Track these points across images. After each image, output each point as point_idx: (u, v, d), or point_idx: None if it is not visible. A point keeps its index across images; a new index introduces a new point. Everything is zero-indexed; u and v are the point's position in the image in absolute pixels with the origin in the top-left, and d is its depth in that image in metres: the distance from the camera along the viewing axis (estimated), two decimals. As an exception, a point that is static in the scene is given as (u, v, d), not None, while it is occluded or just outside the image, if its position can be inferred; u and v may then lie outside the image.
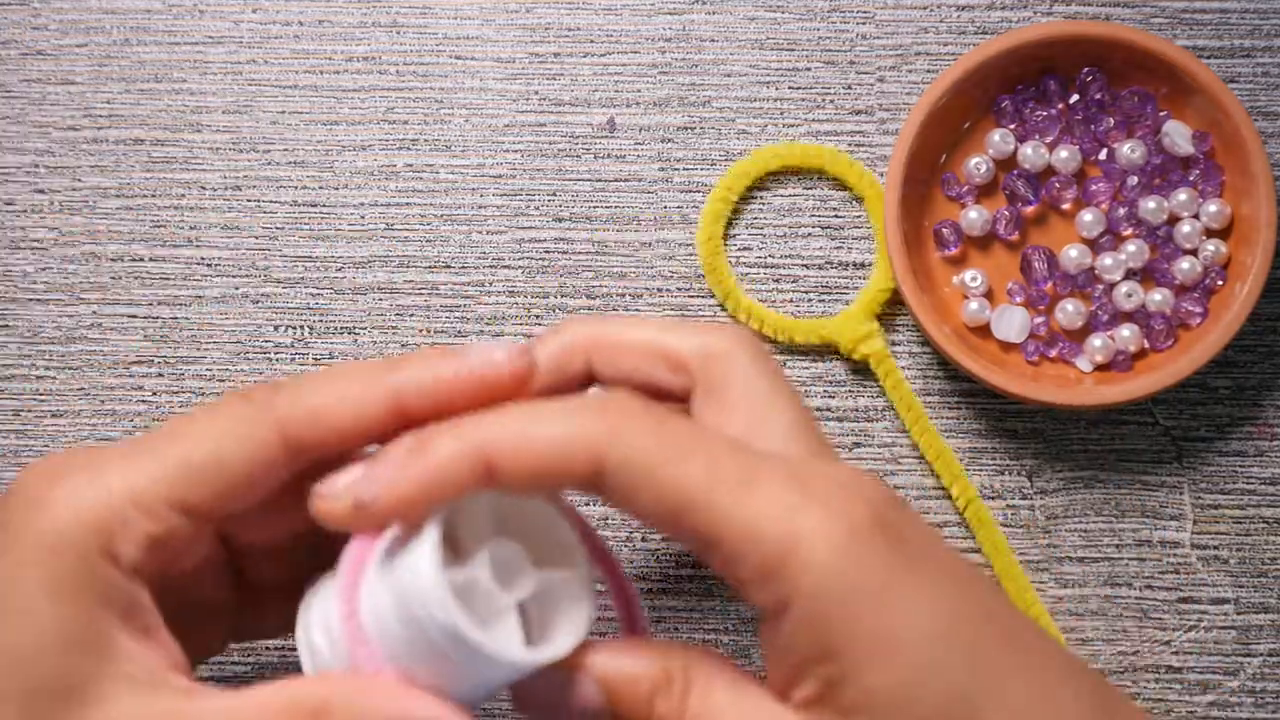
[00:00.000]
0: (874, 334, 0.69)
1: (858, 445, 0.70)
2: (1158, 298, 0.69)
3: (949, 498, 0.69)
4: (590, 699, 0.49)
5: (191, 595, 0.53)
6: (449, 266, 0.71)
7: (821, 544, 0.46)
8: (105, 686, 0.47)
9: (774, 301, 0.71)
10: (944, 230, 0.69)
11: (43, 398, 0.70)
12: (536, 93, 0.72)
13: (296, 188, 0.71)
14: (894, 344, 0.70)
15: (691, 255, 0.71)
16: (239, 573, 0.56)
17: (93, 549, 0.48)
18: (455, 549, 0.49)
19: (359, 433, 0.49)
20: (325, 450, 0.50)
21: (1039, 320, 0.69)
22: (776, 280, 0.71)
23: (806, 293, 0.71)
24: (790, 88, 0.71)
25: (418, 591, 0.46)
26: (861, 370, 0.70)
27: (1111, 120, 0.69)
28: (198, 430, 0.50)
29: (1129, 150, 0.69)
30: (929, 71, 0.71)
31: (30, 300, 0.71)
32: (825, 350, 0.70)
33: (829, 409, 0.70)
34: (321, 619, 0.49)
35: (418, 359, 0.49)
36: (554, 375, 0.52)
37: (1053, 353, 0.69)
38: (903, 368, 0.70)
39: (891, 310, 0.70)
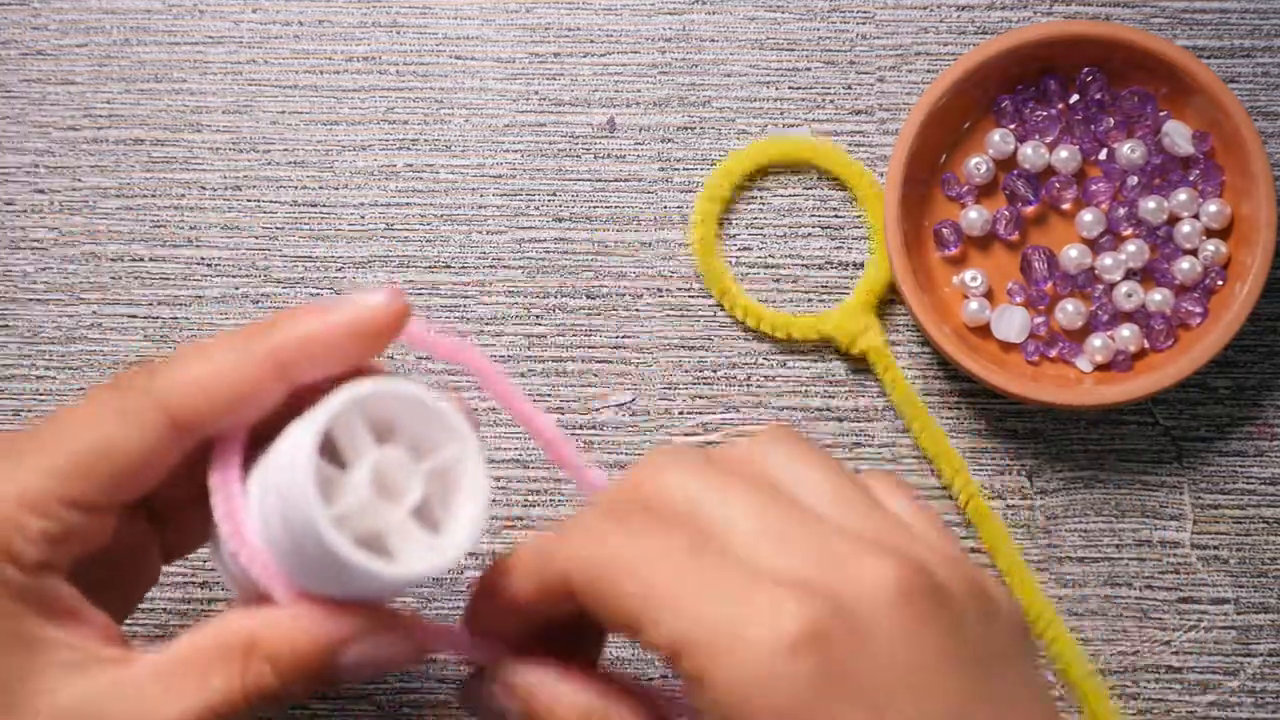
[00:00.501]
0: (872, 328, 0.69)
1: (857, 445, 0.70)
2: (1158, 298, 0.69)
3: (950, 496, 0.69)
4: (508, 705, 0.49)
5: (111, 554, 0.53)
6: (449, 266, 0.71)
7: (739, 661, 0.44)
8: (40, 681, 0.48)
9: (774, 301, 0.71)
10: (944, 230, 0.69)
11: (43, 398, 0.70)
12: (536, 93, 0.72)
13: (296, 188, 0.71)
14: (894, 344, 0.70)
15: (691, 255, 0.71)
16: (153, 512, 0.55)
17: None
18: (337, 461, 0.48)
19: (244, 400, 0.49)
20: (214, 425, 0.49)
21: (1039, 320, 0.69)
22: (776, 280, 0.71)
23: (806, 293, 0.71)
24: (790, 88, 0.71)
25: (300, 517, 0.46)
26: (861, 370, 0.70)
27: (1111, 120, 0.69)
28: (82, 423, 0.49)
29: (1129, 150, 0.69)
30: (929, 71, 0.71)
31: (30, 300, 0.71)
32: (824, 348, 0.70)
33: (829, 409, 0.70)
34: (220, 542, 0.50)
35: (290, 317, 0.49)
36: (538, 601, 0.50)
37: (1053, 353, 0.69)
38: (903, 367, 0.70)
39: (890, 306, 0.70)
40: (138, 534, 0.54)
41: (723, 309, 0.70)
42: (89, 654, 0.48)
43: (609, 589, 0.46)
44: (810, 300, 0.70)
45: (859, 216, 0.71)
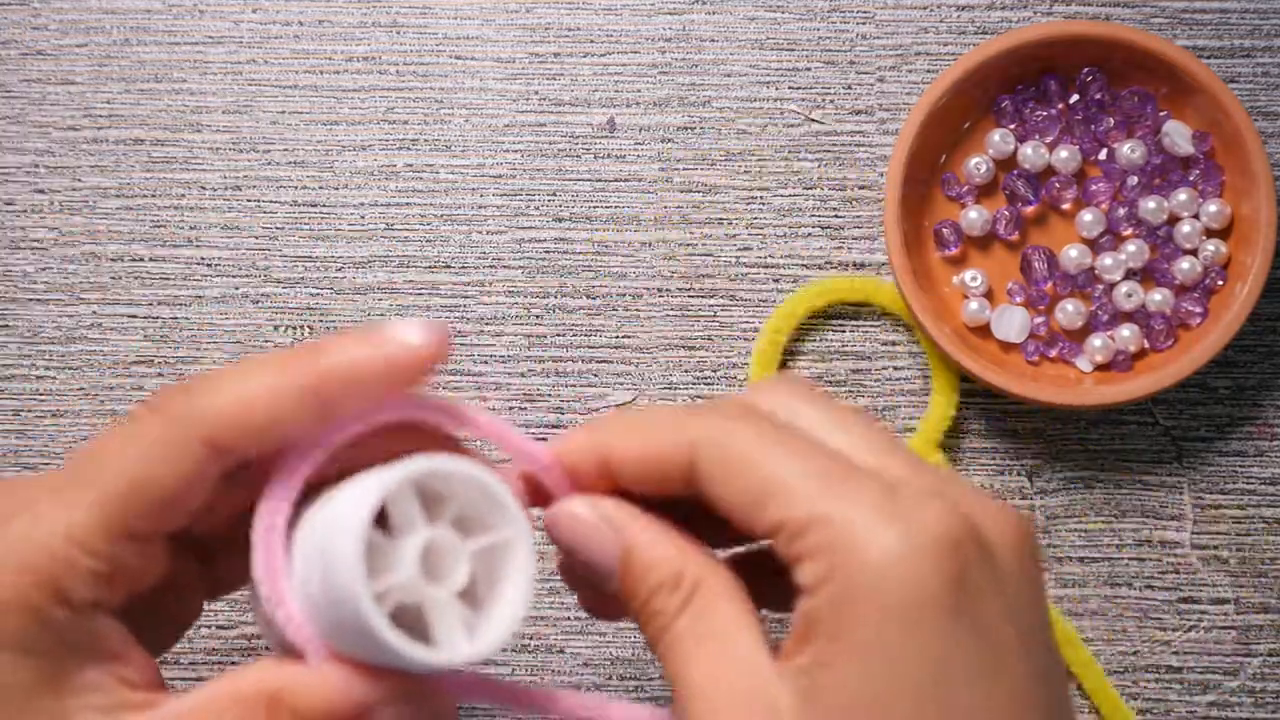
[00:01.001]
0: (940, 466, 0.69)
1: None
2: (1158, 298, 0.69)
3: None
4: (609, 555, 0.49)
5: (156, 589, 0.53)
6: (449, 266, 0.71)
7: (887, 555, 0.45)
8: None
9: (773, 302, 0.71)
10: (944, 230, 0.69)
11: (43, 398, 0.70)
12: (536, 93, 0.72)
13: (296, 188, 0.71)
14: (893, 344, 0.70)
15: (692, 255, 0.71)
16: (198, 546, 0.55)
17: (42, 600, 0.47)
18: (383, 525, 0.48)
19: (281, 428, 0.48)
20: (251, 450, 0.49)
21: (1039, 320, 0.69)
22: (776, 280, 0.71)
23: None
24: (790, 88, 0.71)
25: (342, 586, 0.46)
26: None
27: (1111, 120, 0.69)
28: (123, 454, 0.48)
29: (1129, 150, 0.69)
30: (929, 71, 0.71)
31: (30, 300, 0.71)
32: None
33: (829, 409, 0.70)
34: (256, 593, 0.49)
35: (331, 349, 0.48)
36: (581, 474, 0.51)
37: (1053, 353, 0.69)
38: (902, 368, 0.70)
39: (954, 438, 0.70)
40: (182, 568, 0.54)
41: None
42: (120, 699, 0.48)
43: (738, 465, 0.47)
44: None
45: (859, 216, 0.71)
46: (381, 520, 0.47)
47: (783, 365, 0.70)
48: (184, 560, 0.54)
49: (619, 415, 0.50)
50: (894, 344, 0.70)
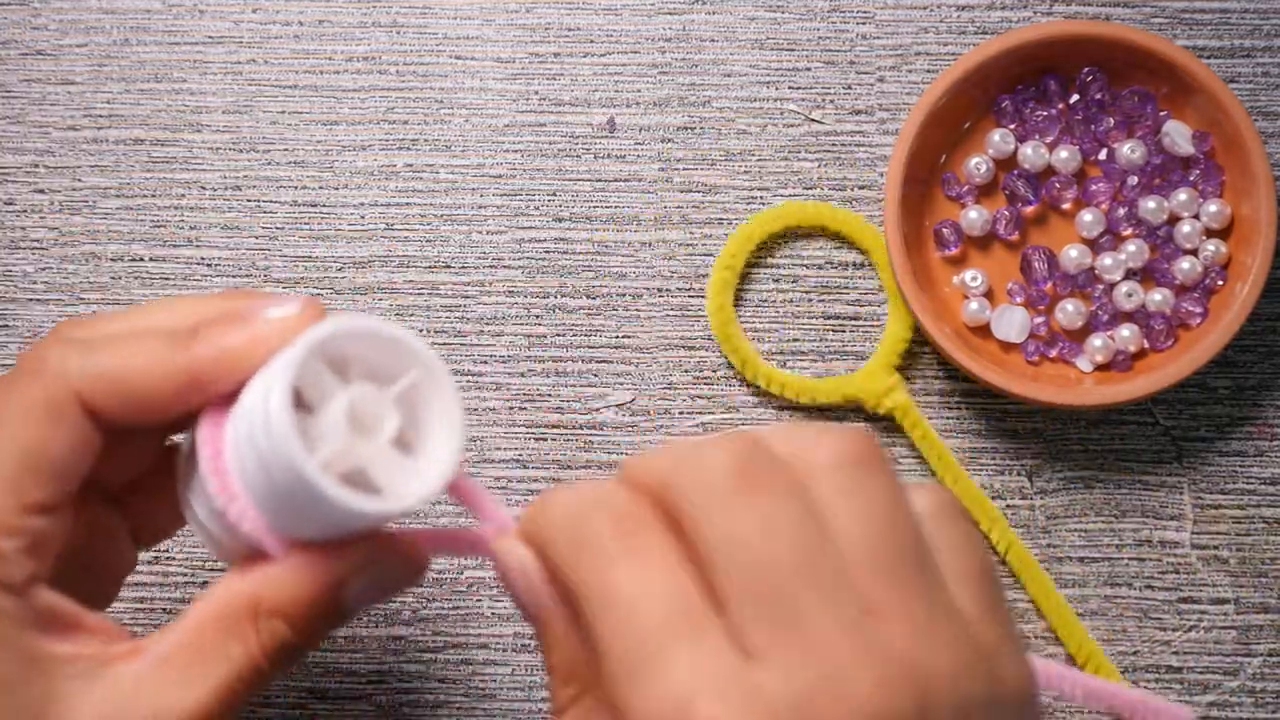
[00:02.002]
0: (897, 387, 0.69)
1: (858, 445, 0.70)
2: (1158, 298, 0.69)
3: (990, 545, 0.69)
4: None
5: (78, 547, 0.53)
6: (449, 266, 0.71)
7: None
8: (63, 700, 0.47)
9: (773, 302, 0.71)
10: (944, 230, 0.69)
11: (43, 398, 0.70)
12: (536, 93, 0.72)
13: (296, 188, 0.71)
14: (848, 266, 0.70)
15: (691, 255, 0.71)
16: (113, 497, 0.55)
17: None
18: (303, 406, 0.48)
19: (160, 408, 0.49)
20: (129, 423, 0.49)
21: (1039, 320, 0.69)
22: (776, 280, 0.71)
23: (806, 293, 0.71)
24: (790, 88, 0.71)
25: (284, 469, 0.46)
26: (890, 428, 0.70)
27: (1111, 120, 0.69)
28: (11, 425, 0.49)
29: (1129, 150, 0.69)
30: (929, 71, 0.71)
31: (30, 300, 0.71)
32: (849, 408, 0.70)
33: (829, 409, 0.70)
34: (204, 503, 0.49)
35: (210, 336, 0.48)
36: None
37: (1053, 353, 0.69)
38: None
39: (910, 360, 0.70)
40: (100, 522, 0.54)
41: (742, 381, 0.70)
42: (99, 659, 0.48)
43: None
44: (810, 300, 0.70)
45: (858, 216, 0.71)
46: (302, 404, 0.48)
47: (737, 296, 0.70)
48: (104, 512, 0.54)
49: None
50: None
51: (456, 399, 0.48)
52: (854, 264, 0.71)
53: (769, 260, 0.71)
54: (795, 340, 0.70)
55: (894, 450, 0.70)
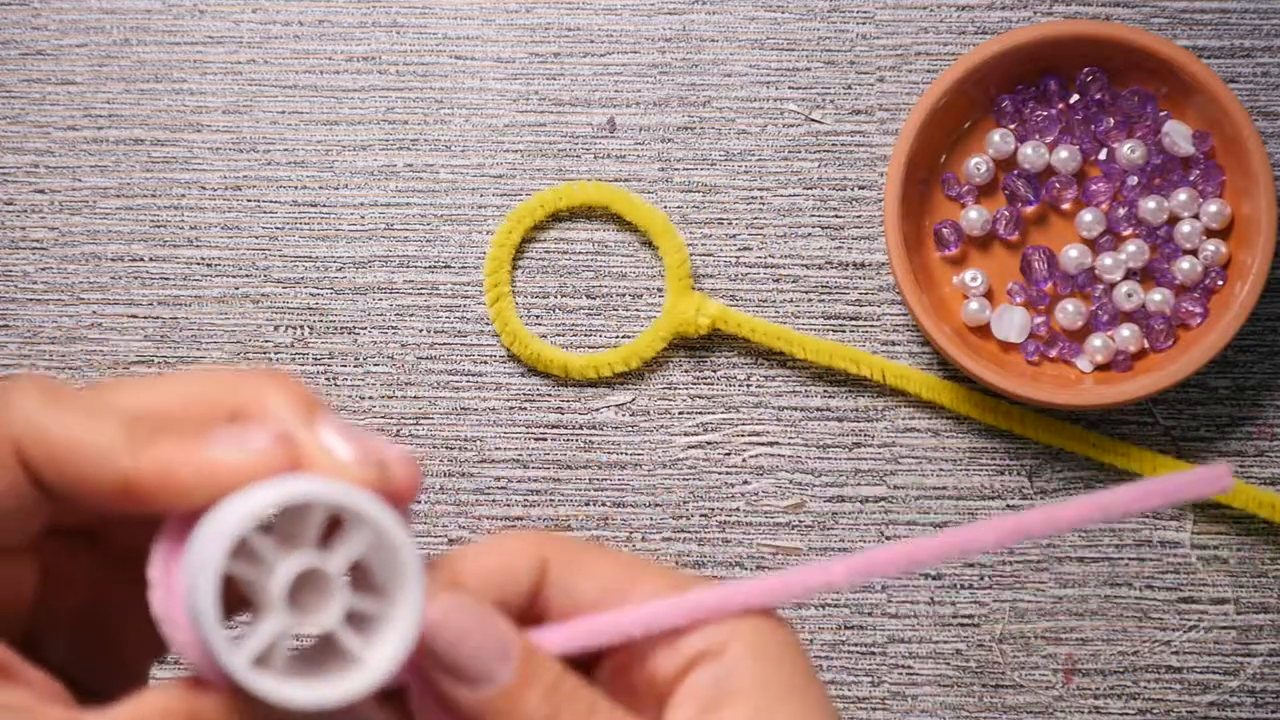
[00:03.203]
0: (702, 303, 0.69)
1: (858, 445, 0.70)
2: (1158, 298, 0.69)
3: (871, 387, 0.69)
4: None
5: (93, 613, 0.50)
6: (449, 266, 0.71)
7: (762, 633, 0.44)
8: None
9: (774, 302, 0.70)
10: (944, 230, 0.69)
11: (43, 398, 0.70)
12: (536, 93, 0.72)
13: (296, 188, 0.71)
14: (893, 344, 0.70)
15: (692, 255, 0.71)
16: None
17: None
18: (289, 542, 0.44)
19: (90, 499, 0.44)
20: (67, 499, 0.44)
21: (1039, 320, 0.69)
22: (776, 280, 0.71)
23: (807, 293, 0.71)
24: (790, 88, 0.71)
25: (208, 649, 0.42)
26: (720, 346, 0.70)
27: (1111, 120, 0.69)
28: None
29: (1129, 150, 0.69)
30: (929, 71, 0.71)
31: (30, 300, 0.71)
32: (675, 345, 0.70)
33: (829, 409, 0.70)
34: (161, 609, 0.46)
35: (163, 448, 0.43)
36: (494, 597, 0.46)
37: (1053, 353, 0.69)
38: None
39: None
40: (110, 585, 0.49)
41: (514, 359, 0.70)
42: (25, 713, 0.44)
43: (594, 562, 0.46)
44: (810, 300, 0.70)
45: (859, 216, 0.71)
46: (244, 558, 0.43)
47: (513, 265, 0.71)
48: (123, 578, 0.51)
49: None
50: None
51: (413, 568, 0.42)
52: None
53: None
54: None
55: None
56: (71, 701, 0.45)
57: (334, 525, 0.43)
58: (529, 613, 0.45)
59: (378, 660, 0.42)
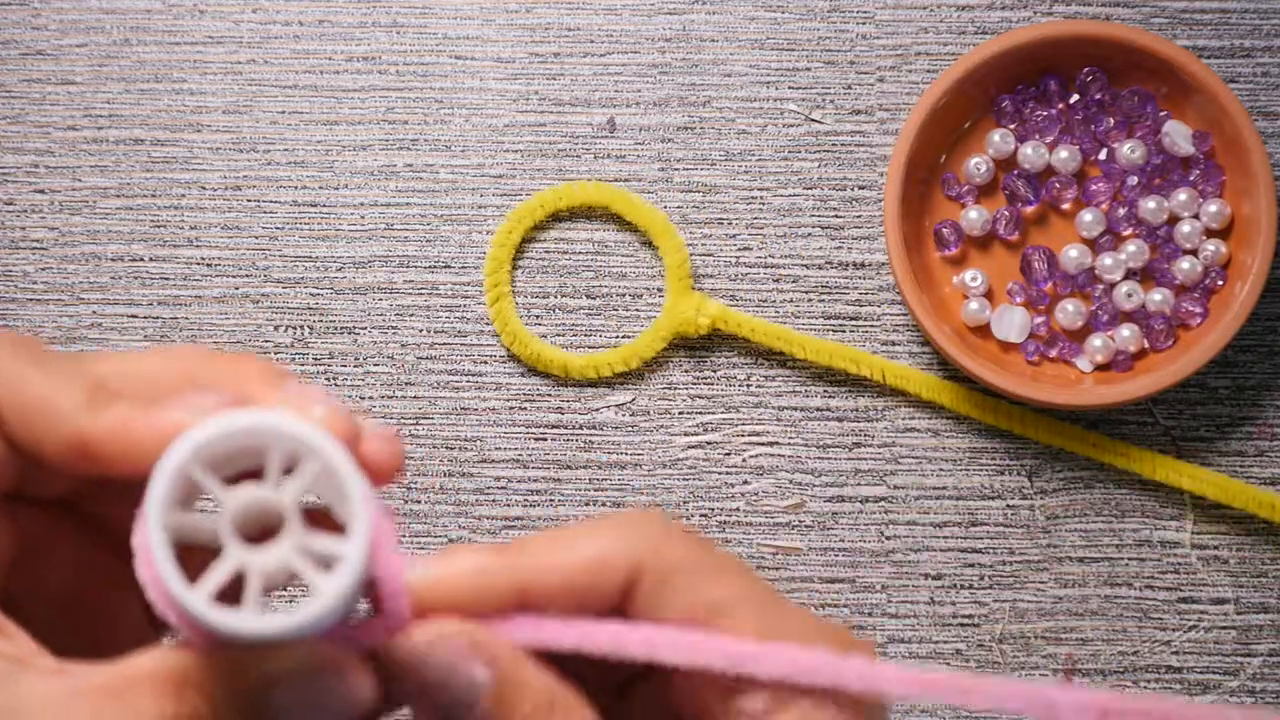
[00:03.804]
0: (702, 302, 0.69)
1: (858, 445, 0.70)
2: (1158, 298, 0.69)
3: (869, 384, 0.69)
4: (474, 668, 0.44)
5: (78, 593, 0.50)
6: (449, 266, 0.71)
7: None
8: None
9: (774, 302, 0.71)
10: (944, 230, 0.69)
11: (43, 398, 0.70)
12: (536, 93, 0.72)
13: (296, 188, 0.71)
14: (893, 344, 0.70)
15: (692, 255, 0.71)
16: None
17: None
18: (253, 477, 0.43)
19: (46, 456, 0.44)
20: (30, 456, 0.44)
21: (1039, 320, 0.69)
22: (776, 280, 0.71)
23: (807, 293, 0.71)
24: (790, 88, 0.71)
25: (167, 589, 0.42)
26: (722, 346, 0.70)
27: (1111, 120, 0.69)
28: None
29: (1129, 150, 0.69)
30: (929, 71, 0.71)
31: (30, 300, 0.71)
32: (675, 345, 0.70)
33: (829, 409, 0.70)
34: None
35: (119, 408, 0.43)
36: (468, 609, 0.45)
37: (1053, 353, 0.69)
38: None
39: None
40: (96, 559, 0.49)
41: (513, 358, 0.70)
42: (16, 661, 0.44)
43: (683, 584, 0.44)
44: (810, 300, 0.70)
45: (859, 216, 0.71)
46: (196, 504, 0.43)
47: (514, 265, 0.71)
48: (110, 554, 0.51)
49: (533, 540, 0.44)
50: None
51: (358, 495, 0.42)
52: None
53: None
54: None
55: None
56: (49, 656, 0.45)
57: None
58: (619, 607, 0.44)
59: (329, 588, 0.42)
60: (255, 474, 0.43)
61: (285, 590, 0.58)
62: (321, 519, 0.43)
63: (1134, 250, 0.69)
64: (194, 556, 0.45)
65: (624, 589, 0.44)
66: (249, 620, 0.42)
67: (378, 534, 0.42)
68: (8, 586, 0.46)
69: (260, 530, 0.43)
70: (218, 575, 0.42)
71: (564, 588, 0.43)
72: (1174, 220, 0.69)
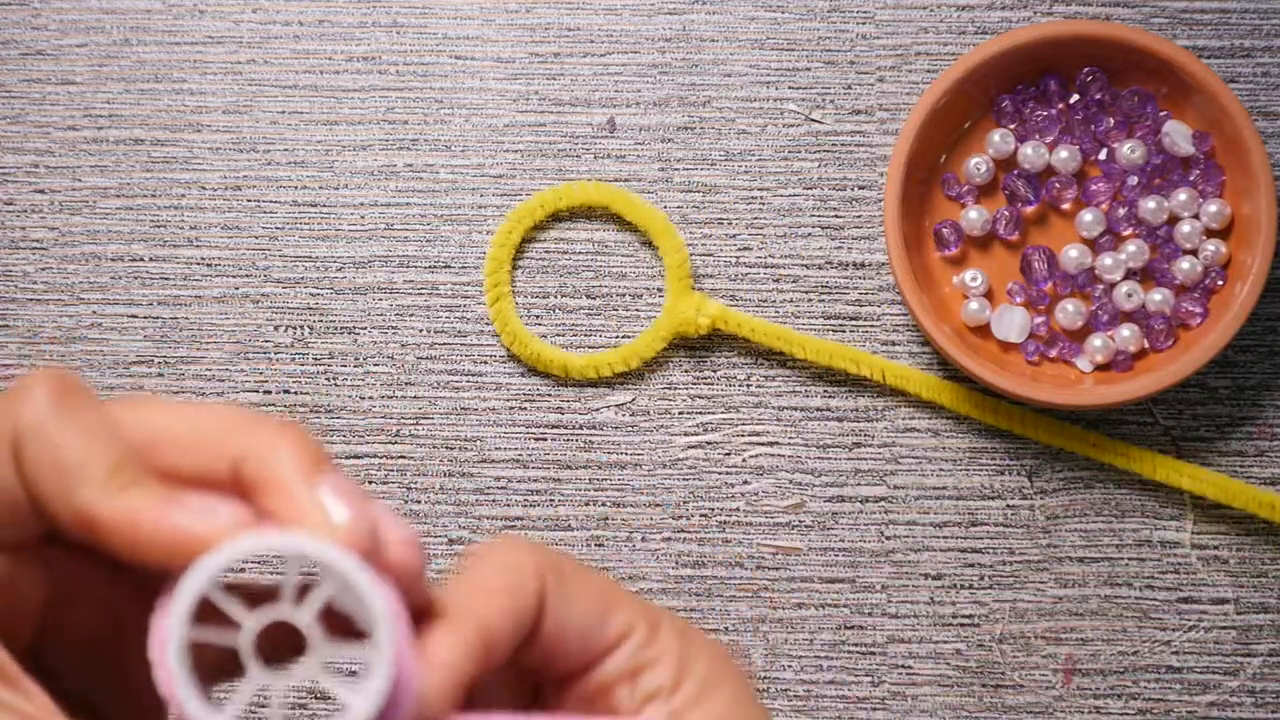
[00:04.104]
0: (702, 302, 0.70)
1: (858, 445, 0.70)
2: (1158, 298, 0.69)
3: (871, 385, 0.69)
4: None
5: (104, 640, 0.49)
6: (449, 266, 0.71)
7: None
8: None
9: (774, 302, 0.71)
10: (944, 230, 0.69)
11: (43, 398, 0.70)
12: (536, 93, 0.72)
13: (296, 188, 0.71)
14: (893, 344, 0.70)
15: (692, 255, 0.71)
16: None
17: None
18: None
19: (53, 519, 0.43)
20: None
21: (1039, 320, 0.69)
22: (776, 280, 0.71)
23: (807, 293, 0.71)
24: (790, 88, 0.71)
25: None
26: (722, 346, 0.70)
27: (1111, 120, 0.69)
28: None
29: (1129, 150, 0.69)
30: (929, 71, 0.71)
31: (30, 300, 0.71)
32: (675, 346, 0.70)
33: (829, 409, 0.70)
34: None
35: (133, 494, 0.42)
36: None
37: (1053, 353, 0.69)
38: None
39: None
40: (127, 609, 0.48)
41: (513, 357, 0.70)
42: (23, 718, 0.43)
43: (578, 587, 0.46)
44: (810, 300, 0.70)
45: (859, 216, 0.71)
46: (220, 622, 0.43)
47: (514, 265, 0.71)
48: (142, 602, 0.50)
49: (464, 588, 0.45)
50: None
51: (381, 612, 0.42)
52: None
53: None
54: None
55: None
56: (59, 714, 0.44)
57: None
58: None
59: (357, 704, 0.42)
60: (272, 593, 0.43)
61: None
62: (342, 622, 0.43)
63: (1134, 250, 0.69)
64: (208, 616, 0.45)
65: (537, 615, 0.44)
66: None
67: (400, 648, 0.43)
68: (39, 630, 0.45)
69: (279, 638, 0.43)
70: (239, 702, 0.42)
71: (510, 627, 0.44)
72: (1174, 220, 0.69)
